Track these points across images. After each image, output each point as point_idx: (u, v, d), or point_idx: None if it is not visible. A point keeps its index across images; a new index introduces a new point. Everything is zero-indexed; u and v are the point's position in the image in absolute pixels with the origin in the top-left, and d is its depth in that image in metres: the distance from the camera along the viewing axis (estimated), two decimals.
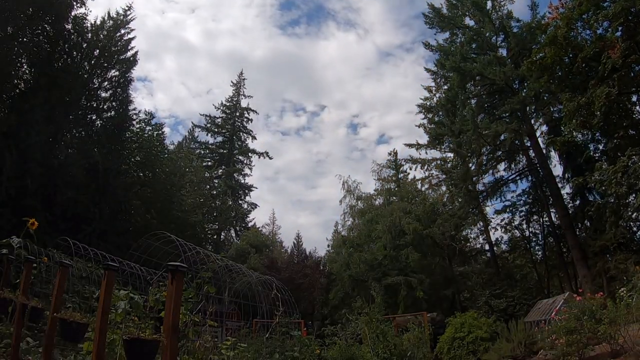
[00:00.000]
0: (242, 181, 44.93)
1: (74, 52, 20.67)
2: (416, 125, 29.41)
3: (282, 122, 73.56)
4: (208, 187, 38.98)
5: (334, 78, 74.41)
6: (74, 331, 3.44)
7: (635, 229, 19.09)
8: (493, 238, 27.67)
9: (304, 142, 72.75)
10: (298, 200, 72.44)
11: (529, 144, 24.49)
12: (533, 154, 24.37)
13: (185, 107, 70.71)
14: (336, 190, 62.96)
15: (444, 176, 28.53)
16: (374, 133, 73.13)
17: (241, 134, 46.50)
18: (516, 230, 27.08)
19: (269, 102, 77.55)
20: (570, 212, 22.59)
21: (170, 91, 69.71)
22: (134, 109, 24.37)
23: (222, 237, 40.66)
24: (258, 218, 65.29)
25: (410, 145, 28.91)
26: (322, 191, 69.75)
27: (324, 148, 74.50)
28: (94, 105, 22.13)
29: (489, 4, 24.86)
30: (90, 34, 21.69)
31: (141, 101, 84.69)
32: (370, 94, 72.21)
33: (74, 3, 20.07)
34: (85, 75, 21.10)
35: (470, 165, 25.16)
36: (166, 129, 61.02)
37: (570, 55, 16.57)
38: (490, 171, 25.62)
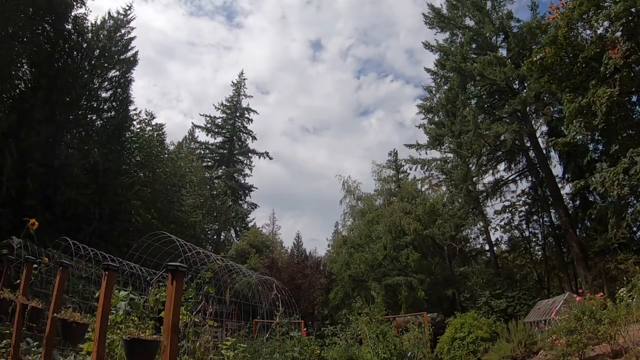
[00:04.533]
0: (242, 181, 45.03)
1: (74, 52, 20.66)
2: (416, 126, 29.46)
3: None
4: (208, 187, 38.99)
5: None
6: (74, 331, 3.43)
7: (635, 229, 19.06)
8: (493, 238, 27.72)
9: None
10: None
11: (529, 144, 24.45)
12: (533, 154, 24.34)
13: None
14: None
15: (444, 176, 28.51)
16: None
17: (241, 134, 46.60)
18: (516, 231, 27.05)
19: None
20: (570, 212, 22.57)
21: None
22: (134, 109, 24.45)
23: (222, 237, 40.69)
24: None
25: (410, 146, 28.94)
26: None
27: None
28: (94, 105, 22.13)
29: (489, 4, 24.88)
30: (90, 34, 21.70)
31: None
32: None
33: (74, 3, 20.08)
34: (86, 76, 21.09)
35: (471, 165, 25.13)
36: None
37: (571, 56, 16.53)
38: (490, 171, 25.61)
